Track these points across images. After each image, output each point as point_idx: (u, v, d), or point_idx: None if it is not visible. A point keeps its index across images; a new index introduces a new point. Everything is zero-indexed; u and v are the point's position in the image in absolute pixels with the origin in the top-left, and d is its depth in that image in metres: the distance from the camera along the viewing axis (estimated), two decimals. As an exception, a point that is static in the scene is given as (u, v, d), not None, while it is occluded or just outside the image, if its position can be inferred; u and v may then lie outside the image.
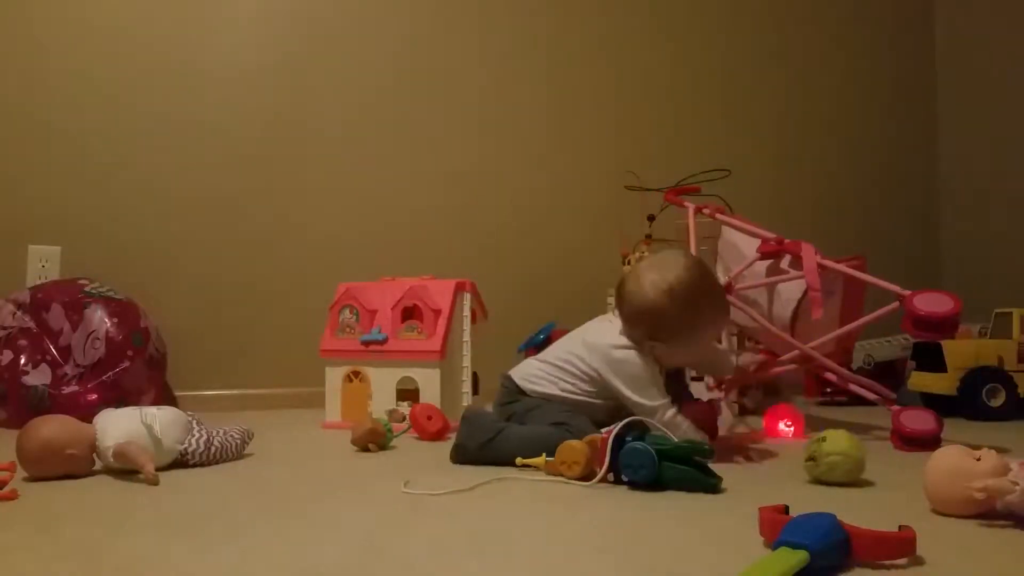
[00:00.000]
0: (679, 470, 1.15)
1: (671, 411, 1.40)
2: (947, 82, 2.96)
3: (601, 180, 2.61)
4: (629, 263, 2.29)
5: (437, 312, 1.90)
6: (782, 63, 2.88)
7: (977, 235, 2.84)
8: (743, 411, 2.08)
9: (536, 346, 2.30)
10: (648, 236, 2.29)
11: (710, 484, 1.15)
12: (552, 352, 1.54)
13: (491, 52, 2.65)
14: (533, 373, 1.50)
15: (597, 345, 1.44)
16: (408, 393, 1.89)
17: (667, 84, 2.76)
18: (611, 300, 2.26)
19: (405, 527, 0.97)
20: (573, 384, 1.46)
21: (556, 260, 2.61)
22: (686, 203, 2.01)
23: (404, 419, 1.77)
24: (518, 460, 1.33)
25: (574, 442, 1.25)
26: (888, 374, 2.37)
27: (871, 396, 1.73)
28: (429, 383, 1.86)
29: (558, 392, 1.46)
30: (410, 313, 1.91)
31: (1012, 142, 2.62)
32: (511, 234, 2.61)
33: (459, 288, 1.97)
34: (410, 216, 2.56)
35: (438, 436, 1.69)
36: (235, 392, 2.35)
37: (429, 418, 1.72)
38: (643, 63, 2.74)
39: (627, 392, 1.40)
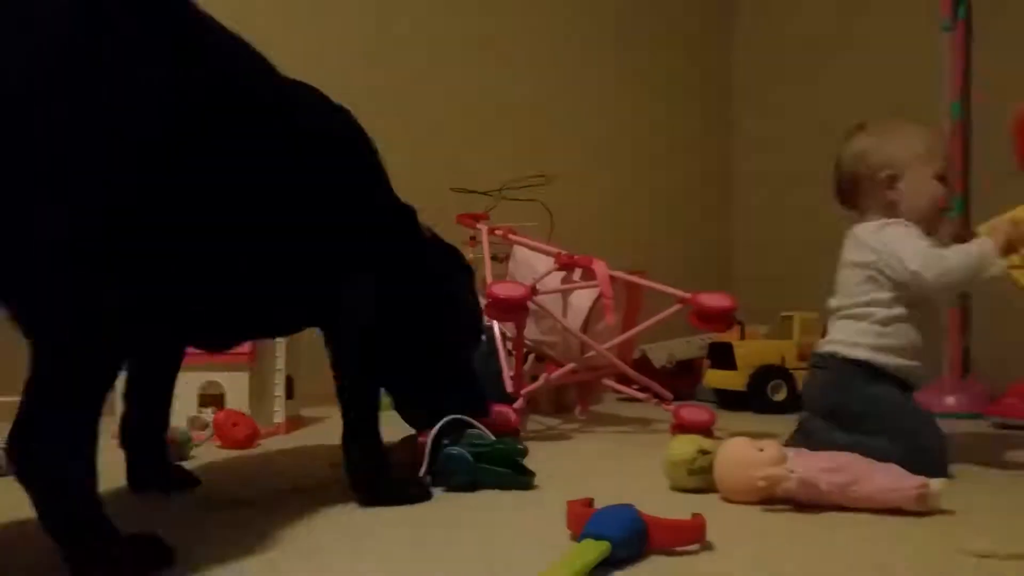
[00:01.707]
0: (496, 472, 1.17)
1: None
2: (743, 97, 3.21)
3: (426, 180, 2.58)
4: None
5: (248, 312, 1.81)
6: (591, 75, 3.00)
7: (766, 244, 3.11)
8: (560, 409, 2.15)
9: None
10: (472, 238, 2.31)
11: (524, 482, 1.17)
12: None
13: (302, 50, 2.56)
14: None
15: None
16: (213, 399, 1.79)
17: (489, 88, 2.79)
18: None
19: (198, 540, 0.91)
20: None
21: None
22: (477, 225, 2.11)
23: (207, 427, 1.67)
24: (330, 462, 1.29)
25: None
26: (688, 372, 2.55)
27: (643, 396, 1.89)
28: (237, 388, 1.77)
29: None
30: (218, 313, 1.81)
31: (800, 154, 2.88)
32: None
33: (273, 287, 1.89)
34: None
35: (245, 444, 1.61)
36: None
37: (235, 425, 1.63)
38: (466, 69, 2.76)
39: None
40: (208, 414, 1.74)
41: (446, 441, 1.18)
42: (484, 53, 2.77)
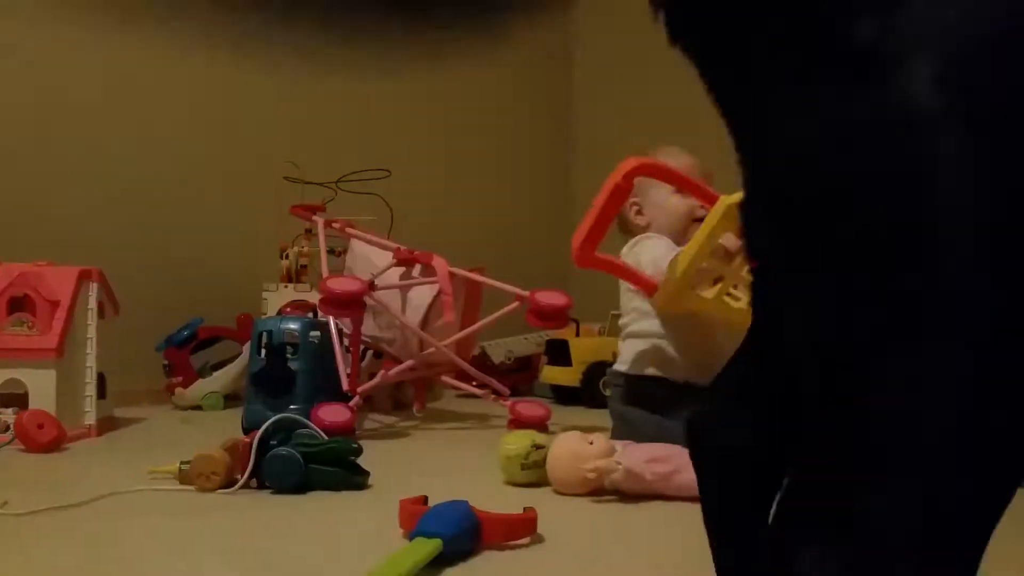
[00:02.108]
0: (327, 472, 1.13)
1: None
2: (581, 98, 3.31)
3: (260, 168, 2.46)
4: (288, 257, 2.21)
5: (54, 304, 1.65)
6: (437, 71, 2.99)
7: (602, 244, 3.22)
8: (398, 406, 2.12)
9: (178, 344, 2.13)
10: (308, 231, 2.24)
11: (357, 482, 1.15)
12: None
13: (132, 35, 2.37)
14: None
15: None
16: (15, 398, 1.62)
17: (332, 81, 2.71)
18: (266, 295, 2.17)
19: (-6, 556, 0.82)
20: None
21: (205, 251, 2.41)
22: (313, 217, 2.04)
23: (8, 429, 1.52)
24: (149, 468, 1.20)
25: (212, 451, 1.16)
26: (526, 368, 2.59)
27: (481, 393, 1.91)
28: (42, 386, 1.61)
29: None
30: (19, 304, 1.64)
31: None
32: (151, 220, 2.35)
33: (83, 277, 1.73)
34: (27, 193, 2.20)
35: (51, 447, 1.47)
36: None
37: (40, 426, 1.49)
38: (308, 59, 2.67)
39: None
40: (9, 415, 1.58)
41: (274, 442, 1.14)
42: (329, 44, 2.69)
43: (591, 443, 1.13)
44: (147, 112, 2.35)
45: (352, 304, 1.62)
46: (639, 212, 1.50)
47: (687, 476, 1.09)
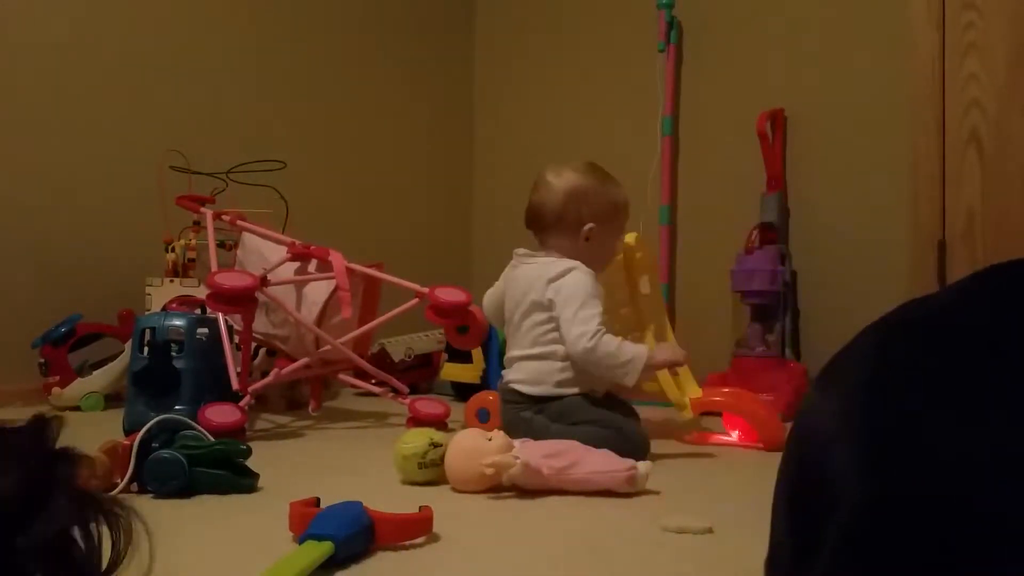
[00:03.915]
0: (213, 475, 1.08)
1: (613, 339, 1.37)
2: (482, 98, 3.31)
3: (144, 156, 2.33)
4: (174, 250, 2.11)
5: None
6: (339, 64, 2.92)
7: (503, 242, 3.22)
8: (293, 405, 2.06)
9: (55, 342, 2.00)
10: (196, 223, 2.14)
11: (245, 485, 1.10)
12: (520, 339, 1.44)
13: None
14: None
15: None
16: None
17: (218, 65, 2.60)
18: (150, 291, 2.06)
19: None
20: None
21: (84, 242, 2.26)
22: (201, 208, 1.95)
23: None
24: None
25: (89, 454, 1.09)
26: (426, 365, 2.57)
27: (380, 391, 1.88)
28: None
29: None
30: None
31: (535, 158, 2.99)
32: (24, 208, 2.19)
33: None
34: None
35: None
36: None
37: None
38: (196, 45, 2.55)
39: (568, 314, 1.36)
40: None
41: (156, 444, 1.08)
42: (223, 30, 2.58)
43: (489, 439, 1.12)
44: (15, 91, 2.19)
45: (242, 300, 1.56)
46: (589, 236, 1.44)
47: (582, 469, 1.10)
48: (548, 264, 1.43)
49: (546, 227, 1.46)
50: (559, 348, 1.39)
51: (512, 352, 1.47)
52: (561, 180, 1.46)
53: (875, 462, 0.37)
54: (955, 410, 0.36)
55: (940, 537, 0.34)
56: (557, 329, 1.39)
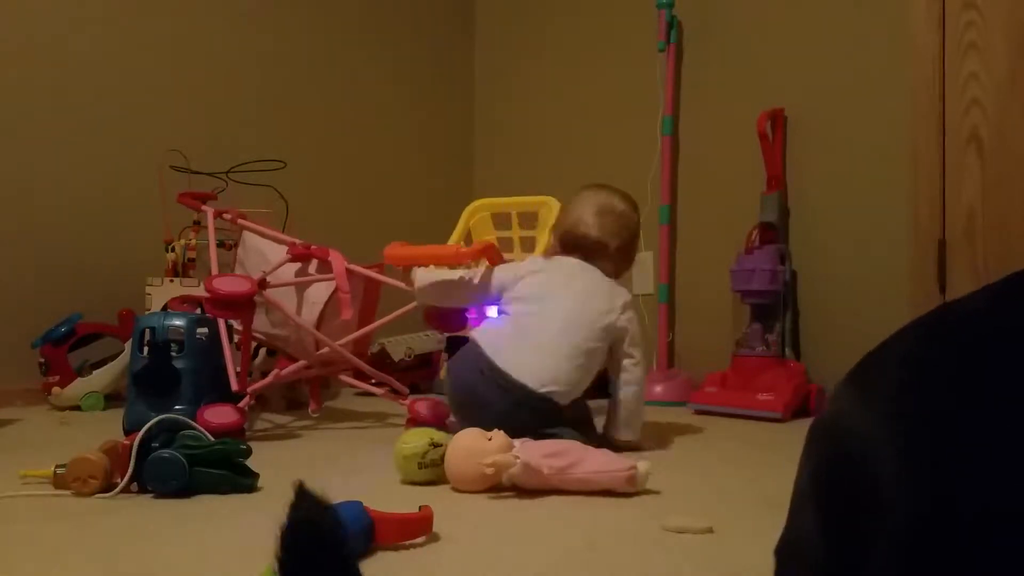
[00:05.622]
0: (213, 475, 1.08)
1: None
2: (484, 105, 3.31)
3: (146, 156, 2.33)
4: (174, 250, 2.11)
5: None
6: (338, 64, 2.92)
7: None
8: (293, 406, 2.06)
9: (55, 341, 2.00)
10: (196, 223, 2.14)
11: (245, 485, 1.10)
12: (549, 341, 1.40)
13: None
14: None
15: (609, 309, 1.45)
16: None
17: (218, 66, 2.60)
18: (150, 290, 2.06)
19: None
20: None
21: (84, 242, 2.26)
22: (203, 207, 1.94)
23: None
24: (21, 473, 1.12)
25: (90, 454, 1.09)
26: (426, 365, 2.57)
27: (380, 391, 1.88)
28: None
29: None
30: None
31: (536, 163, 3.02)
32: (25, 208, 2.19)
33: (-53, 270, 1.61)
34: None
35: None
36: None
37: None
38: (196, 45, 2.55)
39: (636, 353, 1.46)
40: None
41: (156, 444, 1.08)
42: (235, 30, 2.58)
43: (489, 439, 1.12)
44: (15, 91, 2.19)
45: (240, 306, 1.54)
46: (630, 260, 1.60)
47: (583, 469, 1.10)
48: (611, 283, 1.50)
49: (604, 256, 1.52)
50: (595, 366, 1.45)
51: (532, 341, 1.41)
52: (624, 219, 1.54)
53: (925, 470, 0.37)
54: (1005, 415, 0.36)
55: (1004, 548, 0.33)
56: (607, 353, 1.45)
